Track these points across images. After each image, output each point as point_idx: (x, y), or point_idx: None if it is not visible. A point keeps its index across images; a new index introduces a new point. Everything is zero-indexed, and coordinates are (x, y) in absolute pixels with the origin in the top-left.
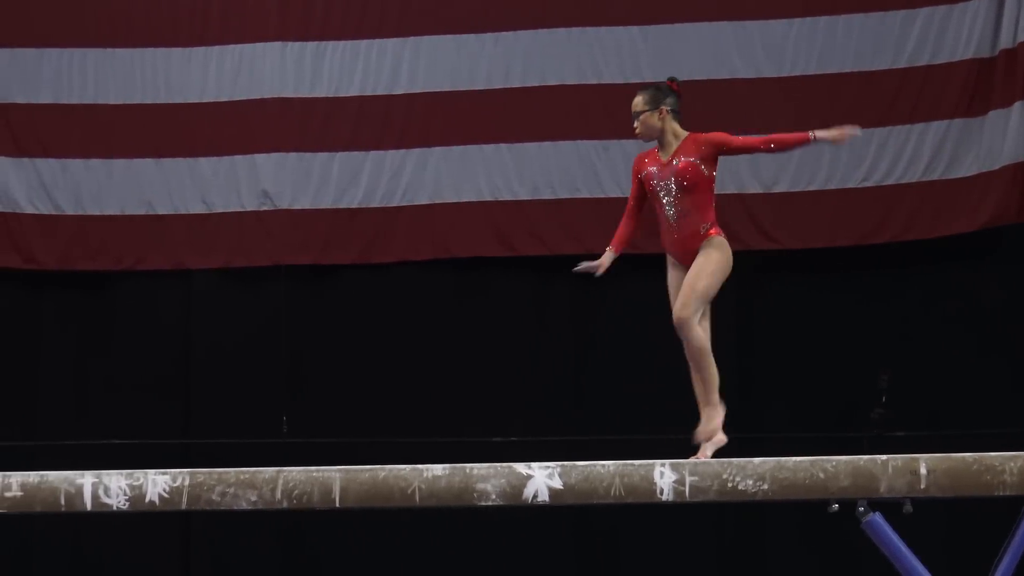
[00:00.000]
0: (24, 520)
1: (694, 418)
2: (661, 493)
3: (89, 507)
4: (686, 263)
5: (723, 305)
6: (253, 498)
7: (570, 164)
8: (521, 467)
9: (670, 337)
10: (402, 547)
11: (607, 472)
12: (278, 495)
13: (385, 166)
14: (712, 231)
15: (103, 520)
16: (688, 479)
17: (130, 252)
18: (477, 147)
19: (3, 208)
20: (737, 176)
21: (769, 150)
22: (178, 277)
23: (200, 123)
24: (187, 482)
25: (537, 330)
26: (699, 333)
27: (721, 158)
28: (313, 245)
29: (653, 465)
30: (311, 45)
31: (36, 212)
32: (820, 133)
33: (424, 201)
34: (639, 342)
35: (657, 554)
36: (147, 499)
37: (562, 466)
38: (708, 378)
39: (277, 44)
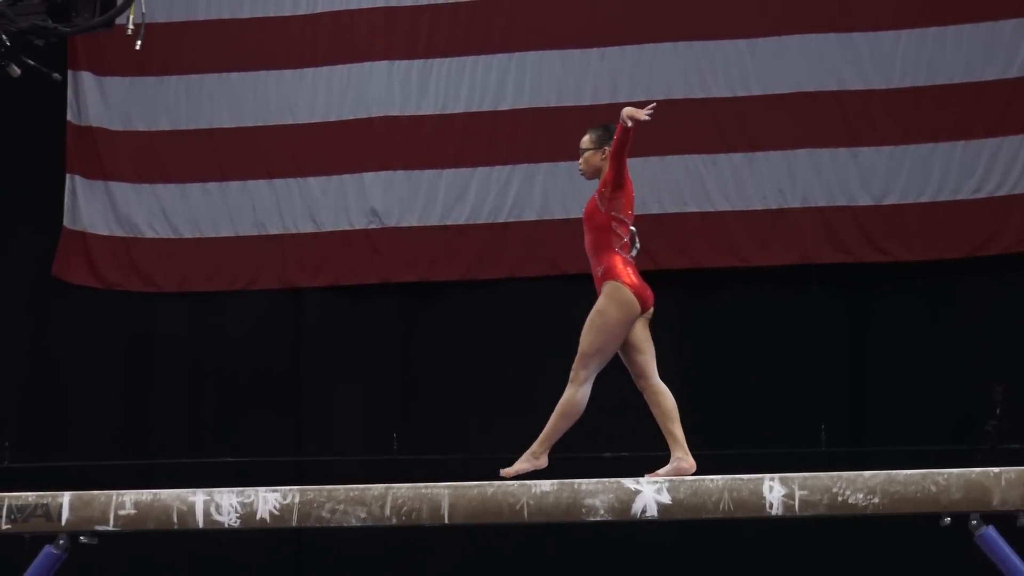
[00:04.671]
0: (140, 538)
1: (802, 433)
2: (770, 507)
3: (201, 524)
4: None
5: (834, 318)
6: (362, 515)
7: (678, 178)
8: (629, 482)
9: (775, 353)
10: (509, 562)
11: (716, 487)
12: (387, 512)
13: (492, 183)
14: (607, 276)
15: (218, 537)
16: (798, 493)
17: (243, 272)
18: None
19: (124, 233)
20: (847, 189)
21: (613, 161)
22: (289, 296)
23: (309, 143)
24: (297, 499)
25: None
26: (575, 394)
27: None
28: (421, 262)
29: (762, 479)
30: (417, 63)
31: (156, 236)
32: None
33: (532, 217)
34: (744, 357)
35: (767, 570)
36: (258, 516)
37: (670, 481)
38: (553, 432)
39: (384, 63)
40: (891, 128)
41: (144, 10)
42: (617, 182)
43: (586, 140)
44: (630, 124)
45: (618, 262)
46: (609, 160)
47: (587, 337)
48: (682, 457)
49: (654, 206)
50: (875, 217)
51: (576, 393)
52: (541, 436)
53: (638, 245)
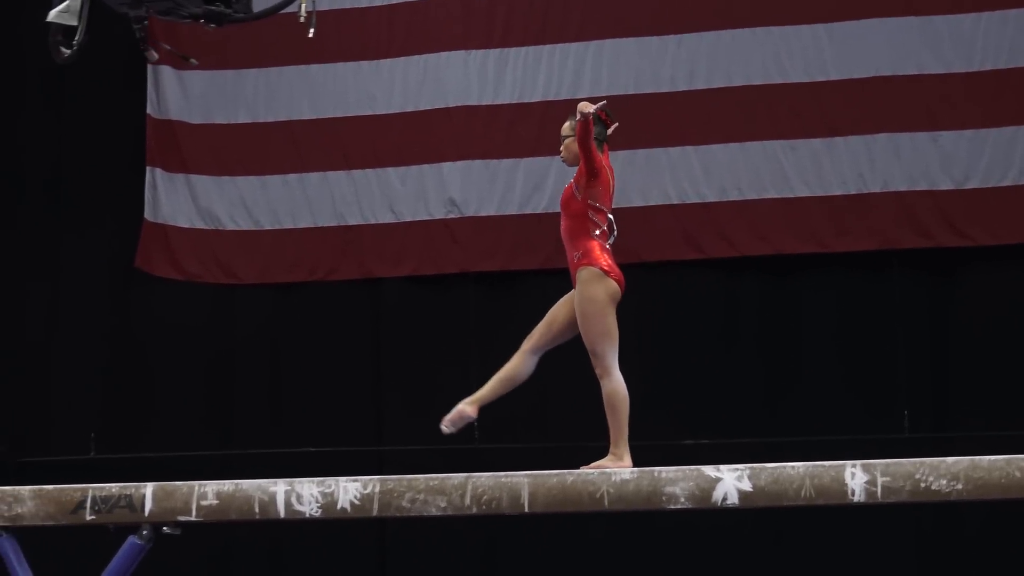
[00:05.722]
0: (224, 527)
1: (884, 419)
2: (852, 494)
3: (282, 514)
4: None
5: (915, 303)
6: (443, 504)
7: (757, 164)
8: (710, 470)
9: (857, 339)
10: (590, 551)
11: (797, 474)
12: (467, 501)
13: (570, 171)
14: (583, 261)
15: (305, 527)
16: (880, 480)
17: (323, 263)
18: (663, 150)
19: (205, 225)
20: (928, 173)
21: (581, 151)
22: (368, 286)
23: (388, 134)
24: (377, 489)
25: (726, 332)
26: (613, 386)
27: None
28: (500, 251)
29: (844, 466)
30: (494, 52)
31: (236, 228)
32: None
33: None
34: (825, 344)
35: (850, 557)
36: (339, 506)
37: (751, 468)
38: (619, 428)
39: (461, 53)
40: (972, 111)
41: None
42: (590, 171)
43: (566, 127)
44: (579, 117)
45: (595, 248)
46: (578, 151)
47: (588, 334)
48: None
49: (733, 192)
50: (956, 201)
51: (611, 384)
52: (613, 437)
53: (615, 233)
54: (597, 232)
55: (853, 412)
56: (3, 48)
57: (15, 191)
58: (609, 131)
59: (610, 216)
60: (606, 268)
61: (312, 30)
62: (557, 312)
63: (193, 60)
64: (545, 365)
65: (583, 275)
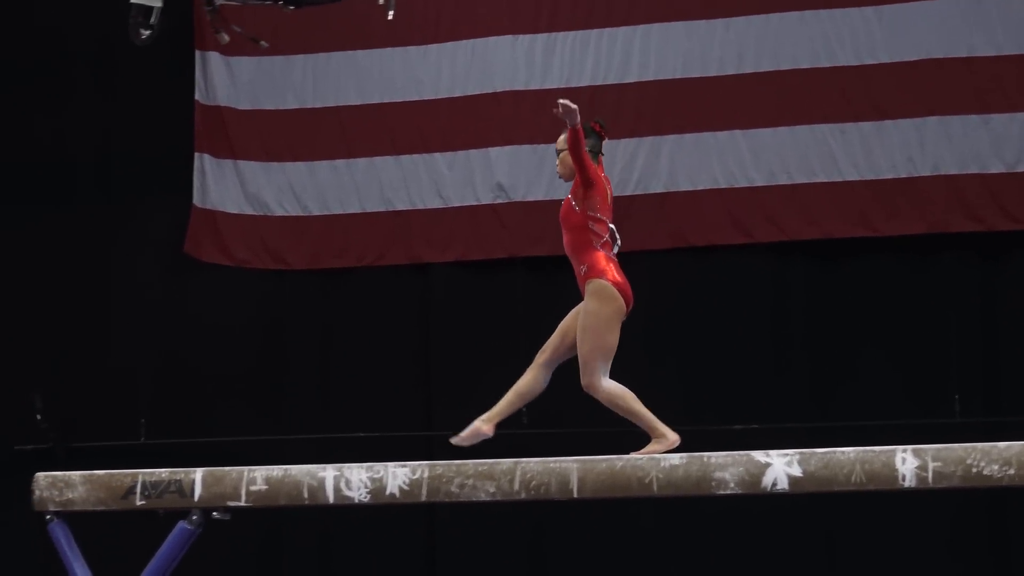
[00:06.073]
0: (273, 513)
1: (935, 404)
2: (903, 480)
3: (331, 500)
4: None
5: (966, 287)
6: (491, 489)
7: (806, 148)
8: (759, 455)
9: (907, 323)
10: (638, 536)
11: (847, 459)
12: (516, 486)
13: (618, 155)
14: (591, 274)
15: (354, 512)
16: (931, 465)
17: (371, 249)
18: (711, 134)
19: (254, 211)
20: (979, 156)
21: (574, 161)
22: (416, 271)
23: (435, 119)
24: (426, 474)
25: (775, 317)
26: (607, 391)
27: None
28: (548, 236)
29: (894, 451)
30: (541, 37)
31: (285, 214)
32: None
33: (658, 190)
34: (875, 328)
35: (895, 541)
36: (387, 491)
37: (801, 453)
38: (641, 419)
39: (508, 38)
40: (1023, 94)
41: None
42: (585, 181)
43: (560, 141)
44: (567, 123)
45: (600, 259)
46: (572, 162)
47: (584, 346)
48: (660, 438)
49: (783, 176)
50: (1007, 184)
51: (602, 392)
52: (645, 428)
53: (619, 242)
54: (600, 243)
55: (903, 397)
56: (52, 36)
57: (66, 178)
58: (604, 142)
59: (611, 225)
60: (613, 280)
61: (391, 12)
62: (569, 325)
63: (264, 43)
64: None
65: (591, 287)
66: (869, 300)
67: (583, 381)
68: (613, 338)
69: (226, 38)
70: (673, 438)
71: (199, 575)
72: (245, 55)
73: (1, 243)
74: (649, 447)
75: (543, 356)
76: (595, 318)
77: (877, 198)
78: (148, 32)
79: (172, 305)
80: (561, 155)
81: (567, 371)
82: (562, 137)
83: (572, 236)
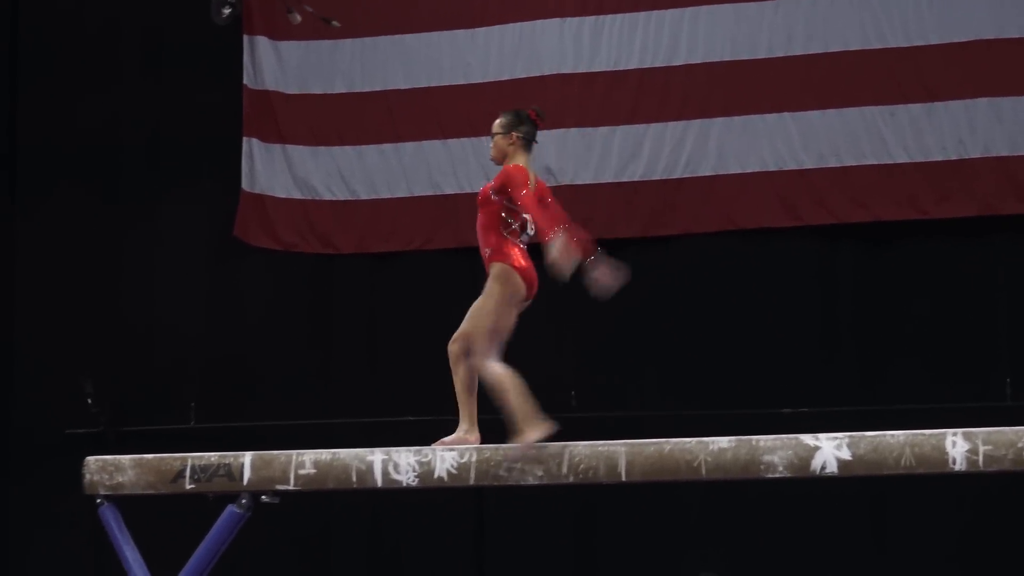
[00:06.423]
0: (322, 496)
1: (985, 387)
2: (953, 463)
3: (380, 484)
4: None
5: (1017, 269)
6: (539, 473)
7: (855, 130)
8: (808, 438)
9: (957, 306)
10: (686, 519)
11: (896, 442)
12: (564, 470)
13: (666, 139)
14: (495, 257)
15: (400, 495)
16: (982, 448)
17: (419, 232)
18: (760, 117)
19: (302, 195)
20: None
21: (538, 230)
22: (464, 255)
23: (483, 102)
24: (474, 458)
25: (824, 299)
26: (491, 373)
27: None
28: (596, 220)
29: (944, 434)
30: (589, 20)
31: (333, 198)
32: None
33: (707, 173)
34: (925, 311)
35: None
36: (435, 475)
37: (850, 436)
38: (512, 411)
39: (556, 20)
40: None
41: None
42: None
43: (496, 125)
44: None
45: (506, 244)
46: (527, 206)
47: (470, 322)
48: (468, 429)
49: (832, 159)
50: None
51: (486, 373)
52: (509, 417)
53: (530, 233)
54: (508, 229)
55: (953, 380)
56: (101, 20)
57: (114, 162)
58: (537, 132)
59: (526, 216)
60: (516, 266)
61: None
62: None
63: (335, 22)
64: (640, 334)
65: (494, 270)
66: (919, 283)
67: (451, 345)
68: (503, 322)
69: (298, 18)
70: (534, 437)
71: (248, 559)
72: (293, 40)
73: (51, 228)
74: (453, 437)
75: (455, 345)
76: (489, 299)
77: (927, 180)
78: (229, 11)
79: (221, 289)
80: (495, 138)
81: (613, 356)
82: (497, 121)
83: (484, 218)
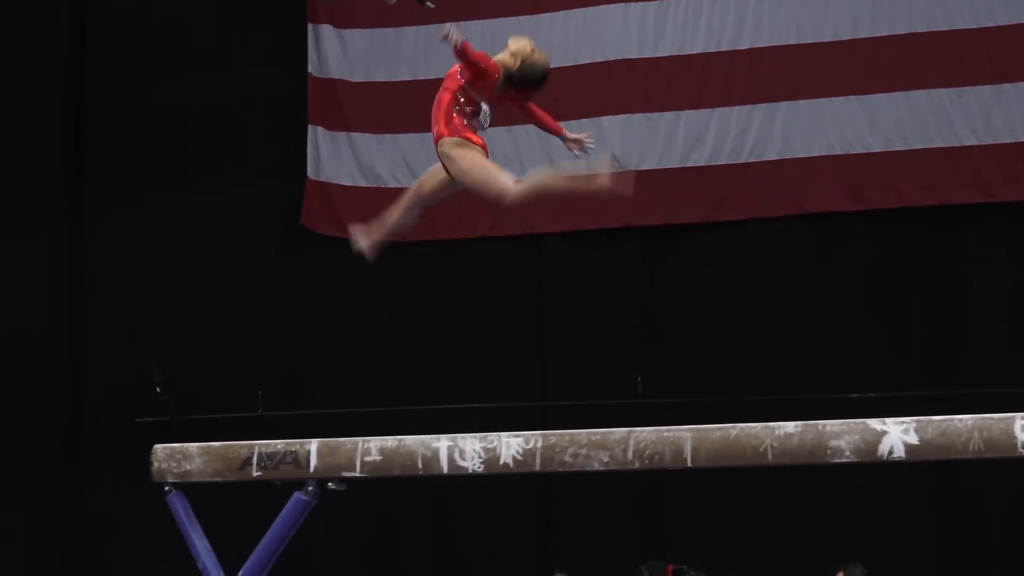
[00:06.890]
0: (389, 483)
1: None
2: (1022, 447)
3: (445, 470)
4: None
5: None
6: (605, 459)
7: (923, 113)
8: (875, 423)
9: None
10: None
11: (964, 426)
12: (629, 455)
13: (731, 123)
14: (441, 133)
15: (467, 482)
16: None
17: (484, 219)
18: (826, 100)
19: (367, 183)
20: None
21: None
22: (530, 241)
23: (547, 89)
24: (539, 444)
25: (892, 283)
26: (523, 187)
27: None
28: (662, 205)
29: (1014, 418)
30: (653, 4)
31: (398, 186)
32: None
33: (773, 157)
34: (992, 294)
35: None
36: (501, 461)
37: (918, 421)
38: (571, 186)
39: (619, 6)
40: None
41: None
42: (475, 75)
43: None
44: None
45: (455, 121)
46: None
47: (472, 182)
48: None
49: (899, 142)
50: None
51: (519, 189)
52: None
53: (487, 124)
54: (460, 111)
55: (1022, 364)
56: (166, 12)
57: (180, 152)
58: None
59: (485, 107)
60: (467, 137)
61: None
62: (424, 181)
63: (430, 4)
64: (705, 319)
65: (443, 150)
66: (987, 266)
67: (503, 203)
68: (483, 159)
69: (431, 6)
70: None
71: (315, 545)
72: (358, 27)
73: (120, 218)
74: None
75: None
76: (462, 161)
77: (995, 163)
78: None
79: (288, 277)
80: (502, 58)
81: (678, 342)
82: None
83: (442, 95)
